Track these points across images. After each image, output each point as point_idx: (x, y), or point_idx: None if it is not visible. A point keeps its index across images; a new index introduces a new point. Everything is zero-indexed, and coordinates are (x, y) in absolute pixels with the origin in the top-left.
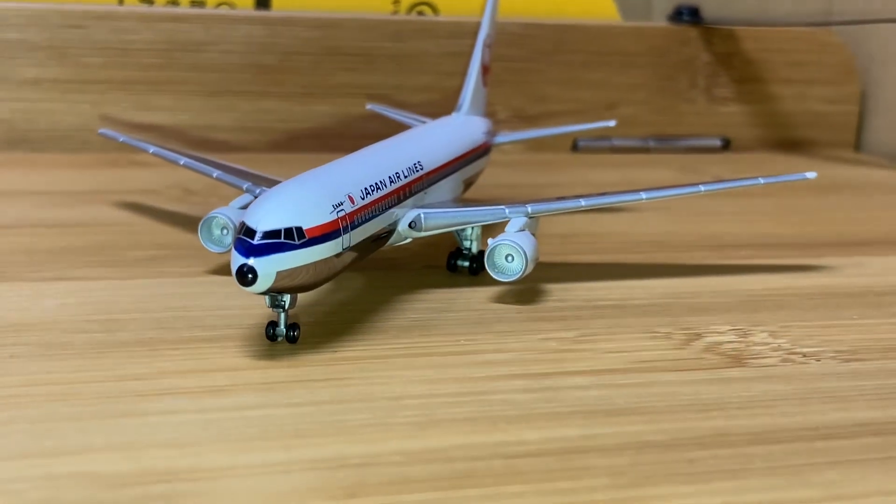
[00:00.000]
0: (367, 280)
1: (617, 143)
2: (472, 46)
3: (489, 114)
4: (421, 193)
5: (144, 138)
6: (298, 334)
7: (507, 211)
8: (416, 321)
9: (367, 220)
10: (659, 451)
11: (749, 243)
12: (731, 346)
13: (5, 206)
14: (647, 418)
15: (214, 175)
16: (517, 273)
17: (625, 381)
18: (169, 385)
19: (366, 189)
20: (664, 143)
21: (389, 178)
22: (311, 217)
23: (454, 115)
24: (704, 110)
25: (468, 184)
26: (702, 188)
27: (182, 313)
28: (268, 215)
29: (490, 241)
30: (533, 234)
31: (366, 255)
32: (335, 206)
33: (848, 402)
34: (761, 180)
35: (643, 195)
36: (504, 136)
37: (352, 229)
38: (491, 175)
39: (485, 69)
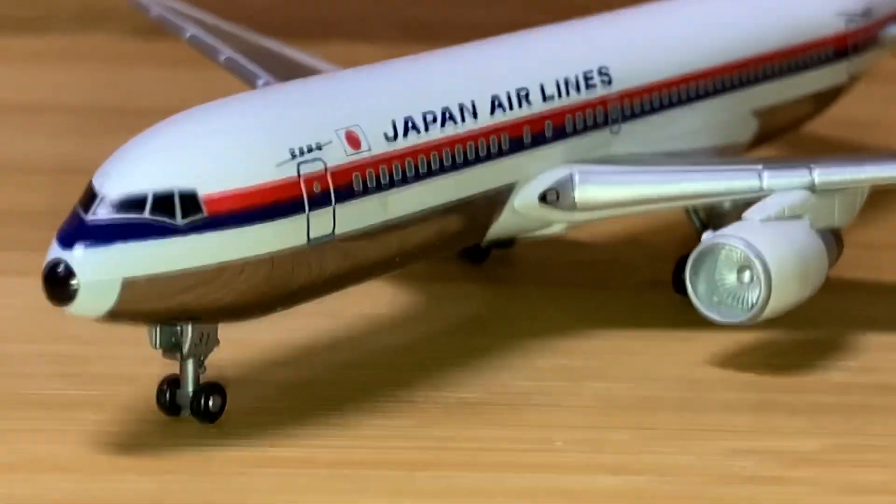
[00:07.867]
0: (502, 303)
1: None
2: None
3: None
4: (599, 134)
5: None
6: (218, 405)
7: (764, 176)
8: (515, 397)
9: (392, 184)
10: None
11: None
12: None
13: None
14: None
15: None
16: (749, 309)
17: None
18: None
19: (407, 121)
20: None
21: (498, 100)
22: (227, 171)
23: None
24: None
25: (780, 123)
26: None
27: None
28: (131, 165)
29: (706, 235)
30: (821, 229)
31: (418, 255)
32: (295, 152)
33: None
34: None
35: None
36: None
37: (344, 199)
38: None
39: None
